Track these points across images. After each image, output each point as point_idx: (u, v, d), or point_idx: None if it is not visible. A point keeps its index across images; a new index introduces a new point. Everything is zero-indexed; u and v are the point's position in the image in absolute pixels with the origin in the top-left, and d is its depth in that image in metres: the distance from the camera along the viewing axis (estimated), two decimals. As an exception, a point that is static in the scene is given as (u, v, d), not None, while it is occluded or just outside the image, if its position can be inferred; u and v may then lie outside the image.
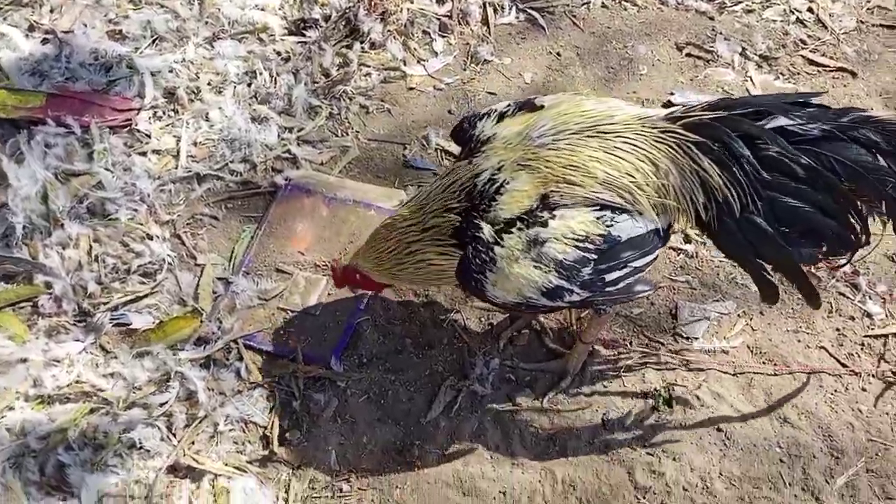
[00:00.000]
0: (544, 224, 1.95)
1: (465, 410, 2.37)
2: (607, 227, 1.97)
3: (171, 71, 3.03)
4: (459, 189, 2.05)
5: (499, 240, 1.97)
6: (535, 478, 2.27)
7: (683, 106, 2.12)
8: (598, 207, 1.96)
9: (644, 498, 2.23)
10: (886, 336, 2.47)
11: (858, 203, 1.93)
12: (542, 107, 2.11)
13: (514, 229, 1.96)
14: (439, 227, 2.08)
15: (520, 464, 2.29)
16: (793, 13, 3.29)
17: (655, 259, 2.08)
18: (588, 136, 1.99)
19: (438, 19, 3.24)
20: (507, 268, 1.97)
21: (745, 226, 1.95)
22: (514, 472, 2.28)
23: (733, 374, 2.41)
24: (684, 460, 2.27)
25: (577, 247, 1.95)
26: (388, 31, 3.17)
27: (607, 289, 2.03)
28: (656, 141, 1.99)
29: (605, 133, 2.00)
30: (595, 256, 1.97)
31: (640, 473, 2.26)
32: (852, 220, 1.93)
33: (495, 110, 2.14)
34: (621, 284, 2.04)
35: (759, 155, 1.91)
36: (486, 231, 1.98)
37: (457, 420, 2.35)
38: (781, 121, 1.92)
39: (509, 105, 2.15)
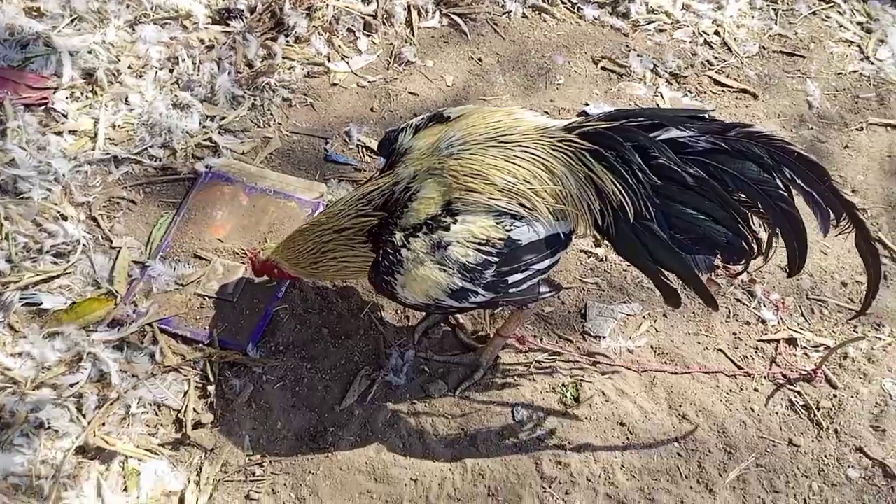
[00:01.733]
0: (447, 228, 2.03)
1: (379, 399, 2.41)
2: (507, 231, 2.04)
3: (90, 52, 2.99)
4: (379, 195, 2.13)
5: (406, 243, 2.05)
6: (445, 466, 2.32)
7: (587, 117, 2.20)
8: (497, 213, 2.04)
9: (550, 487, 2.31)
10: (778, 341, 2.62)
11: (748, 213, 2.02)
12: (449, 118, 2.20)
13: (419, 233, 2.05)
14: (354, 229, 2.17)
15: (431, 452, 2.34)
16: (701, 35, 3.47)
17: (557, 262, 2.17)
18: (490, 146, 2.07)
19: (363, 18, 3.29)
20: (414, 269, 2.05)
21: (640, 231, 2.03)
22: (425, 461, 2.33)
23: (637, 373, 2.53)
24: (589, 452, 2.37)
25: (478, 250, 2.03)
26: (314, 26, 3.20)
27: (510, 290, 2.11)
28: (553, 149, 2.06)
29: (506, 143, 2.07)
30: (497, 259, 2.04)
31: (547, 464, 2.35)
32: (742, 230, 2.01)
33: (412, 124, 2.23)
34: (524, 286, 2.12)
35: (649, 163, 1.99)
36: (398, 236, 2.06)
37: (371, 409, 2.40)
38: (673, 132, 1.99)
39: (423, 118, 2.24)
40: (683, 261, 2.04)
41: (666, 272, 2.09)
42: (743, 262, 2.09)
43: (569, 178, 2.05)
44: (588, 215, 2.07)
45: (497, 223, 2.04)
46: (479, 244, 2.03)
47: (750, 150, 1.96)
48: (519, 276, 2.09)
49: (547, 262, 2.12)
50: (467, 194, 2.04)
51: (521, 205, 2.04)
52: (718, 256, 2.08)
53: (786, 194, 1.96)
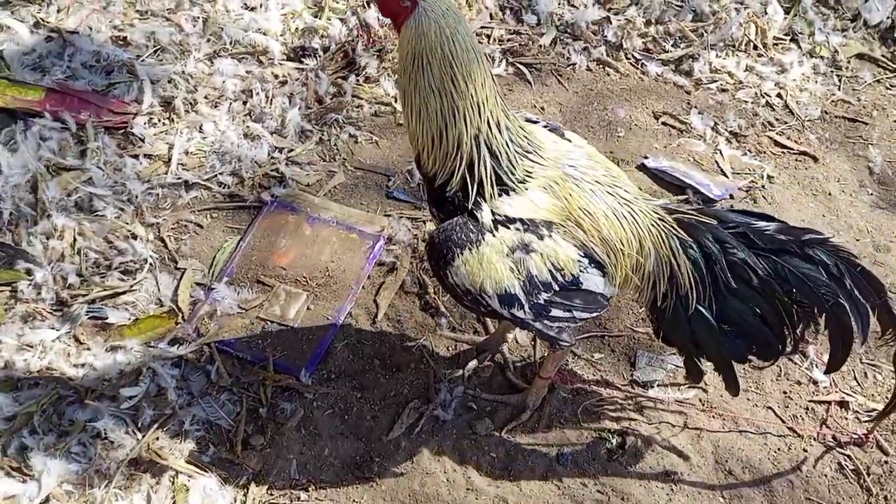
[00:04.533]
0: (540, 237, 2.04)
1: (425, 433, 2.44)
2: (580, 271, 2.09)
3: (170, 81, 3.12)
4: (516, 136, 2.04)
5: (494, 228, 2.02)
6: (488, 504, 2.34)
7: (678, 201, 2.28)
8: (583, 253, 2.09)
9: (591, 533, 2.31)
10: (830, 403, 2.60)
11: (796, 318, 2.13)
12: (563, 135, 2.20)
13: (511, 226, 2.03)
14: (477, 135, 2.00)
15: (474, 489, 2.36)
16: (763, 97, 3.49)
17: (589, 319, 2.28)
18: (608, 193, 2.12)
19: (432, 63, 3.38)
20: (489, 254, 2.02)
21: (693, 318, 2.15)
22: (467, 497, 2.35)
23: (684, 425, 2.52)
24: (632, 501, 2.36)
25: (551, 272, 2.07)
26: (384, 67, 3.30)
27: (545, 322, 2.15)
28: (651, 224, 2.16)
29: (622, 197, 2.14)
30: (557, 288, 2.09)
31: (589, 509, 2.35)
32: (785, 332, 2.15)
33: (523, 114, 2.19)
34: (555, 325, 2.18)
35: (728, 259, 2.10)
36: (486, 217, 2.02)
37: (417, 441, 2.42)
38: (750, 229, 2.12)
39: (538, 119, 2.22)
40: (725, 350, 2.18)
41: (700, 355, 2.23)
42: (770, 360, 2.24)
43: (652, 255, 2.15)
44: (648, 293, 2.18)
45: (578, 260, 2.09)
46: (555, 267, 2.07)
47: (819, 258, 2.08)
48: (560, 314, 2.14)
49: (586, 315, 2.18)
50: (572, 227, 2.08)
51: (607, 257, 2.12)
52: (753, 350, 2.20)
53: (844, 304, 2.06)
